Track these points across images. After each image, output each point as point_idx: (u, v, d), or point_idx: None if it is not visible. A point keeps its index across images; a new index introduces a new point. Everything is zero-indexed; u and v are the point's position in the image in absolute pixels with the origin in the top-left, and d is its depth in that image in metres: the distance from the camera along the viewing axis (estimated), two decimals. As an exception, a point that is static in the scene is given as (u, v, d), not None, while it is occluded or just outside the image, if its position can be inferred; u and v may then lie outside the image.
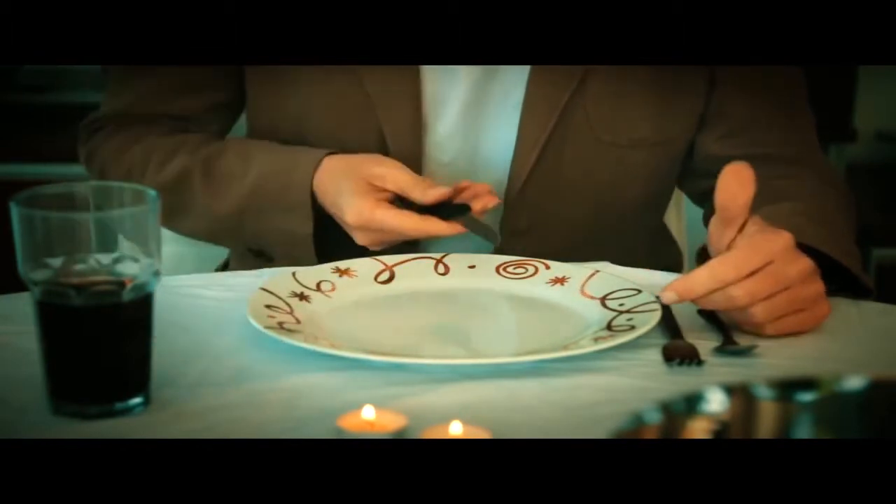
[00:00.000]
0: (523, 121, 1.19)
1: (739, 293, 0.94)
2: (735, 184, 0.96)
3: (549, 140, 1.19)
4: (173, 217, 1.21)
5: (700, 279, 0.94)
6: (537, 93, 1.18)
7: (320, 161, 1.14)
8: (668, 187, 1.31)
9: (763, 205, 1.02)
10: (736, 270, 0.94)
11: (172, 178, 1.20)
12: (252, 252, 1.22)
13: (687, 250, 1.46)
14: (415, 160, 1.19)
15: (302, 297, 1.04)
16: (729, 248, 0.97)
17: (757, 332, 0.98)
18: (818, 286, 0.99)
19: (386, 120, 1.19)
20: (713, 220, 0.98)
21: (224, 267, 1.37)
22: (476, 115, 1.20)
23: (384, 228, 1.09)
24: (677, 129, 1.23)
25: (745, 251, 0.95)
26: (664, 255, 1.35)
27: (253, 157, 1.18)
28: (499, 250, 1.16)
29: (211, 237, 1.26)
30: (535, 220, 1.20)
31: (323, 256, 1.15)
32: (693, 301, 0.96)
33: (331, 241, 1.16)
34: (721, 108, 1.23)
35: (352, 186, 1.11)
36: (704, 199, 1.28)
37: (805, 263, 0.97)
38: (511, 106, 1.20)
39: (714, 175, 0.97)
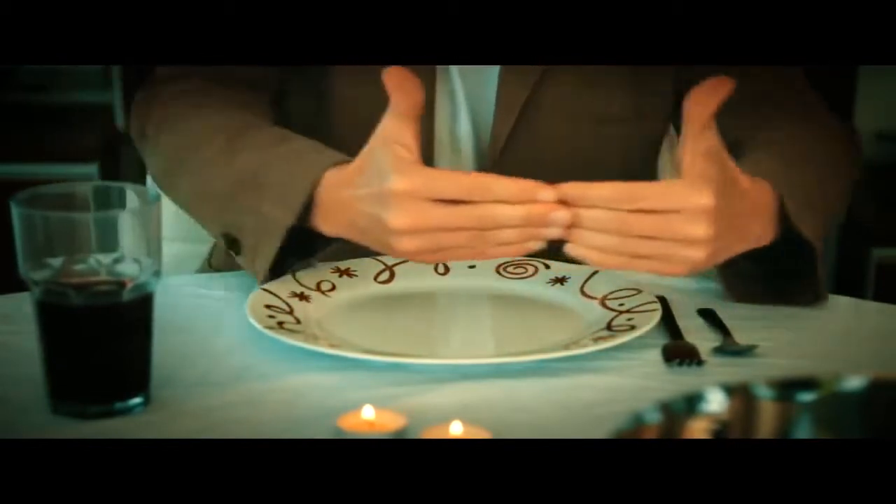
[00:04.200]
0: (501, 86, 1.19)
1: (625, 221, 0.92)
2: (701, 93, 0.95)
3: (528, 106, 1.19)
4: (180, 174, 1.13)
5: (603, 191, 0.92)
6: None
7: (339, 162, 1.01)
8: (648, 165, 1.31)
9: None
10: (636, 201, 0.91)
11: (203, 130, 1.12)
12: (225, 238, 1.09)
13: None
14: (428, 149, 1.19)
15: (302, 297, 1.04)
16: (678, 167, 0.95)
17: (578, 256, 0.94)
18: (696, 253, 0.93)
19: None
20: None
21: (207, 263, 1.35)
22: (462, 89, 1.22)
23: (455, 190, 0.93)
24: (650, 105, 1.23)
25: (663, 189, 0.93)
26: None
27: (287, 140, 1.08)
28: None
29: (200, 206, 1.14)
30: None
31: (288, 259, 1.07)
32: (573, 204, 0.93)
33: (302, 249, 1.08)
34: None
35: (390, 154, 0.95)
36: None
37: (705, 231, 0.92)
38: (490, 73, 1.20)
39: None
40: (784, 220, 1.01)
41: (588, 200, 0.92)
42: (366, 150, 0.97)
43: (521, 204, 0.92)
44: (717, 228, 0.93)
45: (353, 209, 0.97)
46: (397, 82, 0.96)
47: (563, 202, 0.92)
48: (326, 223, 1.01)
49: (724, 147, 0.96)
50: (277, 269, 1.05)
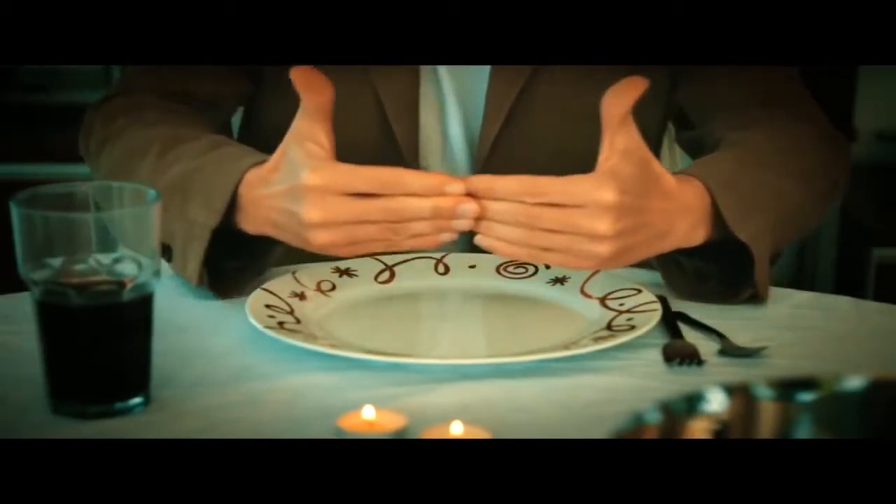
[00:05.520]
0: (491, 85, 1.19)
1: (530, 214, 0.94)
2: (615, 92, 0.97)
3: (517, 105, 1.19)
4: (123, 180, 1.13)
5: (509, 184, 0.94)
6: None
7: (260, 163, 1.02)
8: None
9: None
10: (540, 196, 0.93)
11: (138, 145, 1.13)
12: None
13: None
14: (414, 148, 1.21)
15: (302, 297, 1.04)
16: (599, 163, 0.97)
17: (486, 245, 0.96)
18: (601, 248, 0.94)
19: (392, 114, 1.19)
20: None
21: None
22: (448, 85, 1.22)
23: (370, 182, 0.94)
24: (643, 101, 1.23)
25: (567, 184, 0.93)
26: None
27: (216, 147, 1.09)
28: None
29: None
30: None
31: (227, 263, 1.07)
32: (482, 197, 0.95)
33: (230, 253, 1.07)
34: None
35: (302, 151, 0.97)
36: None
37: (607, 227, 0.93)
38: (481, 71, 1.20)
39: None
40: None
41: (495, 193, 0.94)
42: (280, 148, 0.99)
43: (430, 197, 0.94)
44: (622, 225, 0.94)
45: (270, 206, 0.99)
46: (306, 81, 0.98)
47: (472, 195, 0.95)
48: (247, 222, 1.02)
49: (647, 145, 0.98)
50: (215, 275, 1.04)
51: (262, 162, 1.01)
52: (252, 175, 1.01)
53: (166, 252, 1.07)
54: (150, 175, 1.08)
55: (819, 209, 1.16)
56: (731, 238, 1.02)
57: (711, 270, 1.08)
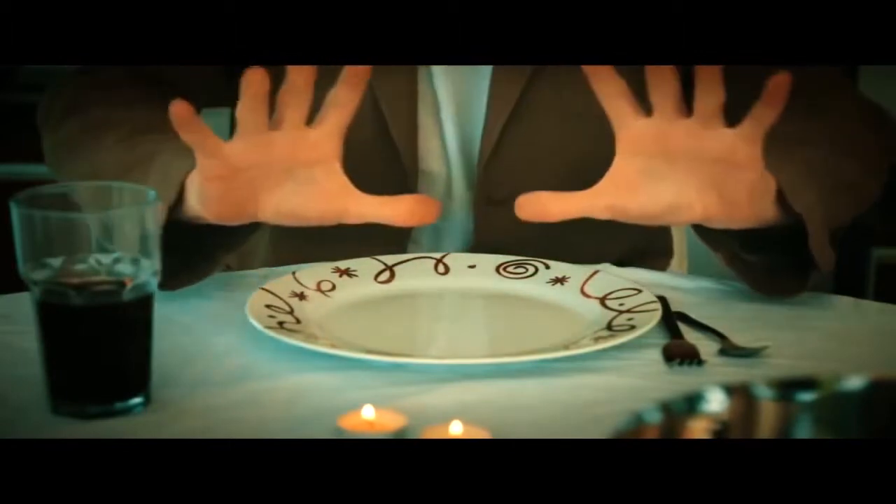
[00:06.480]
0: (493, 84, 1.19)
1: None
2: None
3: (520, 105, 1.19)
4: (76, 158, 1.14)
5: None
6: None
7: None
8: None
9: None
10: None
11: (107, 120, 1.13)
12: None
13: (685, 231, 1.43)
14: (413, 151, 1.21)
15: (302, 297, 1.04)
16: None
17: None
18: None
19: (390, 116, 1.19)
20: None
21: None
22: (444, 86, 1.21)
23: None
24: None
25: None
26: (650, 234, 1.33)
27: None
28: (477, 221, 1.17)
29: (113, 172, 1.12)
30: (511, 190, 1.10)
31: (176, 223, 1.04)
32: None
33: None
34: None
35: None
36: None
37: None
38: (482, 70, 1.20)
39: None
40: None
41: None
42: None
43: None
44: None
45: None
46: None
47: None
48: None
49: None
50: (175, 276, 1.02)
51: None
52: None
53: None
54: (116, 149, 1.08)
55: (872, 178, 1.17)
56: (787, 220, 1.01)
57: (778, 263, 1.07)
